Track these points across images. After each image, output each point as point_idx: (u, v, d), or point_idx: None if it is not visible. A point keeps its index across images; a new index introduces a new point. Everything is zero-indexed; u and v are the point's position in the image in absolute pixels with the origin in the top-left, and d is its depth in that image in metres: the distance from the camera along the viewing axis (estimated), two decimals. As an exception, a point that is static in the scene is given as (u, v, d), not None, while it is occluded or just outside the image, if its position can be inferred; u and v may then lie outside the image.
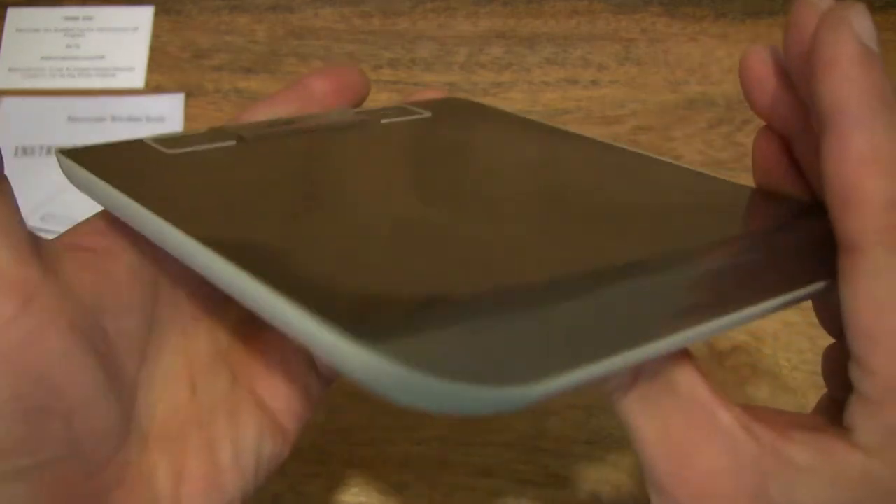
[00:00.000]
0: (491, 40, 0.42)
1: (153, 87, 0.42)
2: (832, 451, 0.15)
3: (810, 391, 0.34)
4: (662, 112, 0.40)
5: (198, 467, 0.19)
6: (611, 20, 0.43)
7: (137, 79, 0.43)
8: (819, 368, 0.19)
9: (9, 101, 0.42)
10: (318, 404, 0.22)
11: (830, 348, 0.19)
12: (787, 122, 0.18)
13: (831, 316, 0.18)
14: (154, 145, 0.19)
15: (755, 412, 0.16)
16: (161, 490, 0.19)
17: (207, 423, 0.20)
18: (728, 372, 0.35)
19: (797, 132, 0.18)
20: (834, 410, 0.16)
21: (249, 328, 0.21)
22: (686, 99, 0.41)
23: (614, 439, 0.33)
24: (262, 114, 0.23)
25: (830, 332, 0.19)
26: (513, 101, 0.41)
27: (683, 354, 0.16)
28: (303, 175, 0.19)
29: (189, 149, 0.19)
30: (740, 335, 0.35)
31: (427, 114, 0.23)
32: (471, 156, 0.21)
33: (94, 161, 0.18)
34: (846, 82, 0.14)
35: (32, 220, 0.38)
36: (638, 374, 0.15)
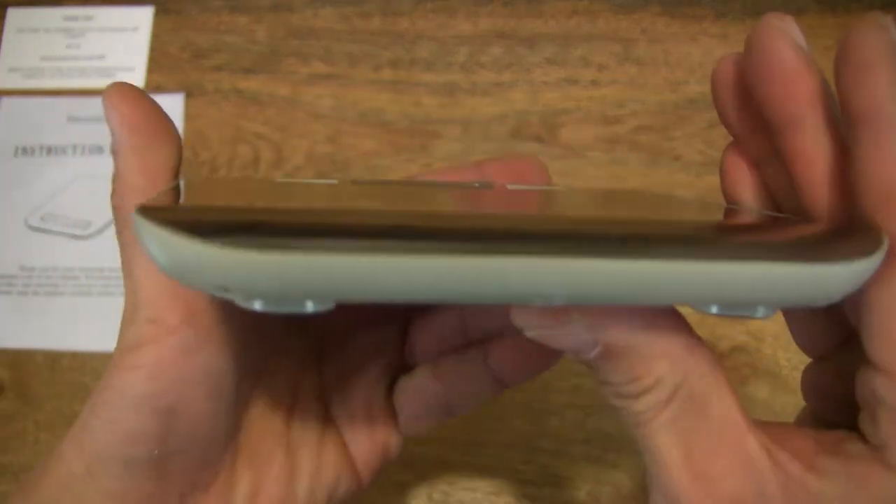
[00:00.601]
0: (491, 40, 0.42)
1: (153, 87, 0.42)
2: (867, 480, 0.14)
3: (810, 391, 0.34)
4: (662, 112, 0.40)
5: (275, 490, 0.21)
6: (611, 20, 0.43)
7: (137, 79, 0.43)
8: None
9: (9, 101, 0.42)
10: (393, 461, 0.24)
11: (810, 368, 0.18)
12: (758, 144, 0.17)
13: (811, 338, 0.18)
14: (271, 178, 0.21)
15: (781, 435, 0.15)
16: (237, 503, 0.20)
17: (294, 452, 0.21)
18: (728, 372, 0.35)
19: (766, 156, 0.17)
20: (819, 426, 0.16)
21: (348, 381, 0.23)
22: (686, 99, 0.41)
23: (613, 439, 0.33)
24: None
25: (809, 353, 0.18)
26: (513, 101, 0.41)
27: (721, 376, 0.15)
28: (352, 194, 0.19)
29: (293, 180, 0.20)
30: (740, 335, 0.35)
31: (561, 188, 0.23)
32: (515, 196, 0.20)
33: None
34: (885, 84, 0.14)
35: (32, 220, 0.38)
36: (673, 395, 0.15)
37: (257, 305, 0.13)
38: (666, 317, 0.15)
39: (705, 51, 0.42)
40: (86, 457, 0.17)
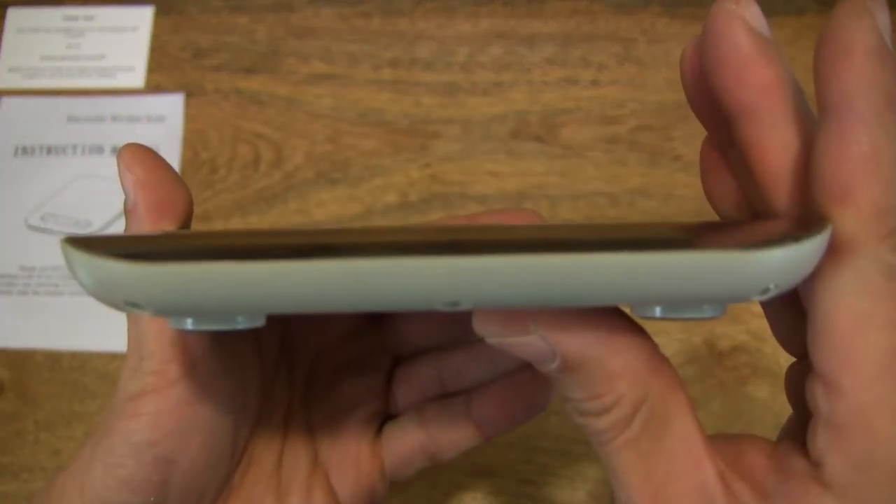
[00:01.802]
0: (491, 40, 0.42)
1: (153, 86, 0.42)
2: (802, 501, 0.13)
3: (810, 391, 0.34)
4: (662, 112, 0.40)
5: None
6: (611, 20, 0.42)
7: (137, 79, 0.43)
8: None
9: (9, 101, 0.42)
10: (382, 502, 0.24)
11: (791, 367, 0.17)
12: (723, 136, 0.16)
13: (791, 335, 0.17)
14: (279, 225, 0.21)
15: (737, 453, 0.15)
16: None
17: (284, 497, 0.22)
18: (728, 372, 0.35)
19: (727, 142, 0.16)
20: (801, 434, 0.15)
21: (337, 427, 0.23)
22: (686, 99, 0.41)
23: (614, 439, 0.33)
24: None
25: (790, 352, 0.17)
26: (513, 101, 0.41)
27: (683, 396, 0.15)
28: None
29: (298, 228, 0.21)
30: (741, 335, 0.35)
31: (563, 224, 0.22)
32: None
33: None
34: (858, 74, 0.12)
35: (32, 220, 0.38)
36: (634, 414, 0.15)
37: (189, 324, 0.14)
38: (626, 333, 0.15)
39: (705, 51, 0.42)
40: (86, 499, 0.18)
